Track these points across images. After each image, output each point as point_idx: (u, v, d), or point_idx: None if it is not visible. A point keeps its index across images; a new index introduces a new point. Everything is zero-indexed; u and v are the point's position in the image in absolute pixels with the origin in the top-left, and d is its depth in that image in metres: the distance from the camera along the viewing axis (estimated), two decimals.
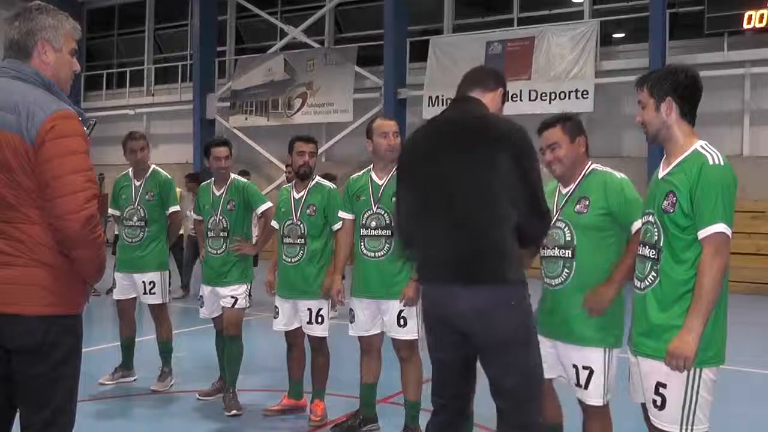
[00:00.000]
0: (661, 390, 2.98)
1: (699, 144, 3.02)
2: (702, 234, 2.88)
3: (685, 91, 3.05)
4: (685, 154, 3.01)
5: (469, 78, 3.39)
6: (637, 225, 3.38)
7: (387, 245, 4.70)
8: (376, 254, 4.72)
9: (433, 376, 3.37)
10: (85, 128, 2.82)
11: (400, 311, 4.67)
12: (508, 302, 3.08)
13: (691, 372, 2.91)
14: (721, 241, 2.87)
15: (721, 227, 2.86)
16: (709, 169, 2.90)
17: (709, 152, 2.97)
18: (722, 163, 2.93)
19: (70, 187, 2.48)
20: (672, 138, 3.07)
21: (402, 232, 3.47)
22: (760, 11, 13.60)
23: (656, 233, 3.02)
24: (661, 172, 3.11)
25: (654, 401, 3.01)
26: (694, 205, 2.90)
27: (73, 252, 2.55)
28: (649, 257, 3.04)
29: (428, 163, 3.21)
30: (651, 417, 3.05)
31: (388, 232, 4.69)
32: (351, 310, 4.90)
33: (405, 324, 4.68)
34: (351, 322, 4.90)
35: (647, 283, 3.04)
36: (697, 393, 2.92)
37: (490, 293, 3.07)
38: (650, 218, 3.08)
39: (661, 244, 2.99)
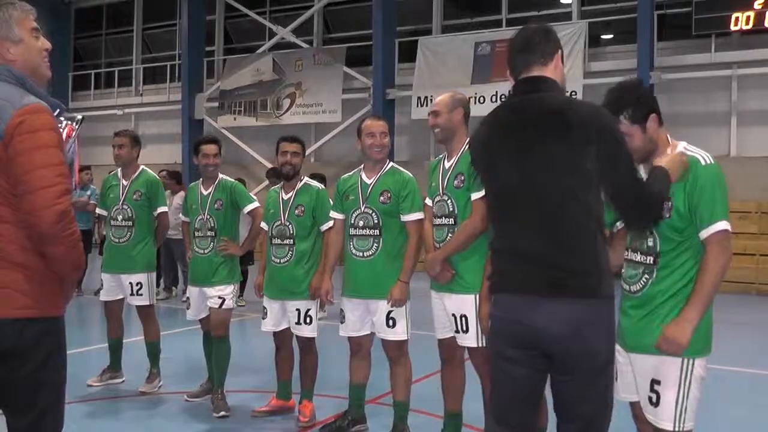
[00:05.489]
0: (655, 387, 3.02)
1: (682, 146, 3.09)
2: (706, 233, 2.93)
3: (655, 100, 3.14)
4: None
5: (521, 52, 2.91)
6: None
7: (375, 245, 4.69)
8: (365, 254, 4.71)
9: (493, 397, 2.99)
10: (74, 124, 2.78)
11: (389, 312, 4.66)
12: (600, 319, 2.75)
13: (685, 367, 2.97)
14: (725, 238, 2.94)
15: (723, 224, 2.93)
16: (702, 170, 2.97)
17: (697, 153, 3.03)
18: (713, 162, 3.00)
19: (40, 182, 2.41)
20: (657, 148, 3.12)
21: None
22: (747, 13, 13.68)
23: (651, 238, 3.04)
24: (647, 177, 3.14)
25: (649, 398, 3.04)
26: (692, 207, 2.94)
27: (48, 249, 2.47)
28: (643, 263, 3.07)
29: (501, 160, 2.85)
30: (647, 414, 3.08)
31: (376, 232, 4.69)
32: (341, 310, 4.89)
33: (394, 325, 4.68)
34: (341, 323, 4.90)
35: (640, 286, 3.07)
36: (689, 389, 2.98)
37: (581, 308, 2.71)
38: None
39: (658, 249, 3.02)
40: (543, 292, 2.73)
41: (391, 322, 4.68)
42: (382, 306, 4.68)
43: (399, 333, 4.70)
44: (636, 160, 3.14)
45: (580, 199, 2.73)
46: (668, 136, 3.15)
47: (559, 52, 2.93)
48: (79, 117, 2.79)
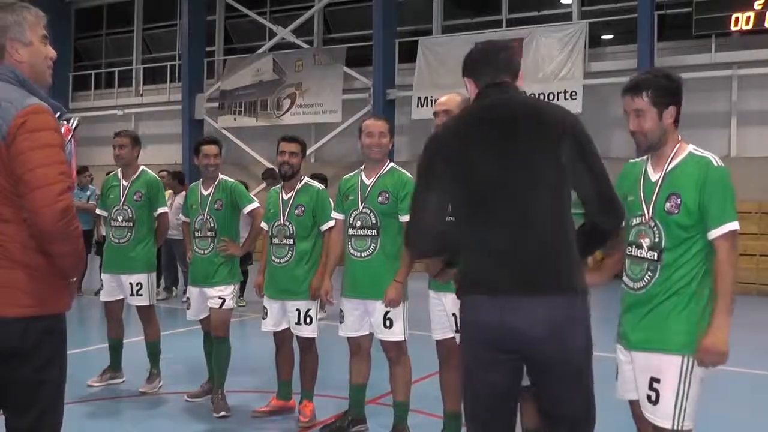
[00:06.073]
0: (654, 385, 3.03)
1: (691, 147, 3.12)
2: (716, 233, 2.98)
3: (681, 96, 3.12)
4: (681, 157, 3.10)
5: (491, 62, 2.92)
6: None
7: (373, 245, 4.69)
8: (362, 254, 4.72)
9: (469, 408, 2.89)
10: (70, 125, 2.78)
11: (386, 312, 4.66)
12: (576, 316, 2.71)
13: (685, 365, 2.99)
14: (734, 238, 3.00)
15: (734, 225, 2.99)
16: (715, 171, 3.02)
17: (708, 155, 3.08)
18: (723, 164, 3.05)
19: (42, 179, 2.43)
20: (667, 143, 3.13)
21: (437, 235, 2.89)
22: (747, 13, 13.69)
23: (656, 234, 3.05)
24: (653, 175, 3.14)
25: (648, 396, 3.05)
26: (702, 206, 2.98)
27: (51, 246, 2.49)
28: (647, 258, 3.08)
29: (477, 157, 2.80)
30: (645, 412, 3.09)
31: (374, 232, 4.69)
32: (341, 310, 4.89)
33: (391, 325, 4.68)
34: (341, 323, 4.90)
35: (644, 283, 3.08)
36: (689, 388, 2.99)
37: (558, 306, 2.67)
38: (643, 219, 3.11)
39: (663, 245, 3.03)
40: (520, 292, 2.68)
41: (388, 323, 4.68)
42: (380, 306, 4.67)
43: (396, 334, 4.70)
44: (643, 145, 3.14)
45: (559, 194, 2.75)
46: (679, 136, 3.15)
47: (520, 72, 2.98)
48: (76, 119, 2.80)
